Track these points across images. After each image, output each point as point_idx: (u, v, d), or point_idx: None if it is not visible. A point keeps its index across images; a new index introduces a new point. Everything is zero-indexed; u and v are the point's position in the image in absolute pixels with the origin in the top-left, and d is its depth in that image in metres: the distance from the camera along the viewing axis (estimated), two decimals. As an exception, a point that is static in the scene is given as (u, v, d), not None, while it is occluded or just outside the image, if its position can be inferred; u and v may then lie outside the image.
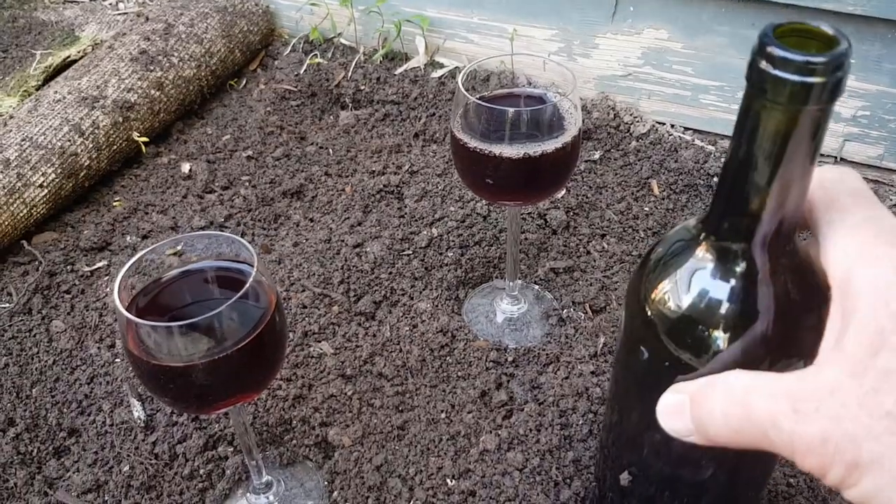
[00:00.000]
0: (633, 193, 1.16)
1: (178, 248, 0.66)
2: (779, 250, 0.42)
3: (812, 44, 0.37)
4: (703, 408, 0.39)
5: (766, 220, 0.41)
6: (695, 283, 0.45)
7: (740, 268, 0.43)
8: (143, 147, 1.27)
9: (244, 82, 1.49)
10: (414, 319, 0.96)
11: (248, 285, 0.59)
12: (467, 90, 0.78)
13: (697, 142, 1.24)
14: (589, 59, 1.30)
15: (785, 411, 0.35)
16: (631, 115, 1.28)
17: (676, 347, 0.47)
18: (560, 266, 1.04)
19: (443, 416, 0.85)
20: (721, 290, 0.44)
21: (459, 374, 0.90)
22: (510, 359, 0.91)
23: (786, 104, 0.36)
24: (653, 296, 0.48)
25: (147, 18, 1.41)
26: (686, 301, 0.46)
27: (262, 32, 1.53)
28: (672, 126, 1.28)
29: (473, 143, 0.78)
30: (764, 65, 0.35)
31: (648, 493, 0.61)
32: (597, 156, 1.23)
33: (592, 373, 0.88)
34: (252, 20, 1.50)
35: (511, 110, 0.76)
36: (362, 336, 0.94)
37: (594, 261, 1.05)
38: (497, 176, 0.80)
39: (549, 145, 0.77)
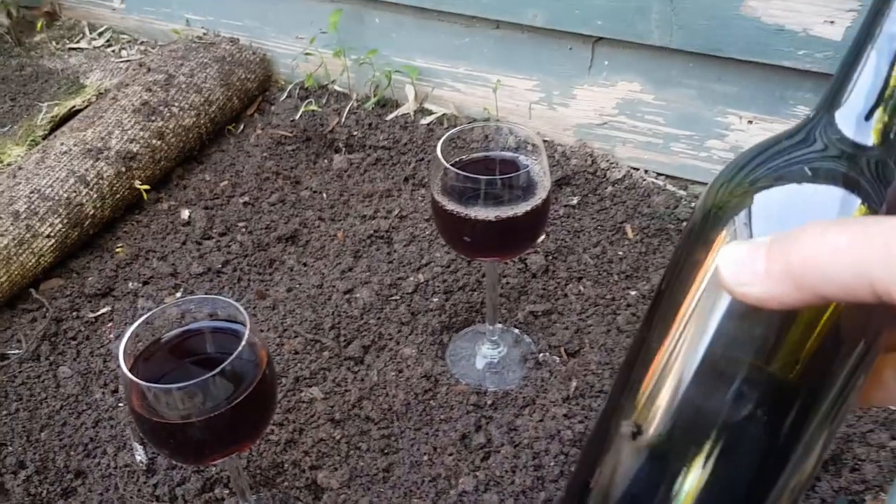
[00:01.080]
0: (608, 237, 1.23)
1: (177, 311, 0.73)
2: None
3: None
4: (796, 241, 0.29)
5: None
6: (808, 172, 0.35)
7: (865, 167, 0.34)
8: (145, 194, 1.34)
9: (242, 127, 1.56)
10: (400, 364, 1.02)
11: (240, 347, 0.66)
12: (448, 151, 0.85)
13: (669, 187, 1.31)
14: (568, 109, 1.37)
15: (885, 254, 0.27)
16: (607, 161, 1.35)
17: None
18: (539, 309, 1.10)
19: (425, 458, 0.91)
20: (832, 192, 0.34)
21: (442, 417, 0.96)
22: (489, 402, 0.97)
23: None
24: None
25: (149, 69, 1.48)
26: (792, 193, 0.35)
27: (259, 80, 1.60)
28: (645, 172, 1.35)
29: (451, 206, 0.84)
30: None
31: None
32: (575, 201, 1.29)
33: (565, 416, 0.94)
34: (249, 68, 1.58)
35: (484, 178, 0.83)
36: (351, 381, 1.01)
37: (570, 304, 1.12)
38: (473, 236, 0.86)
39: (521, 208, 0.84)
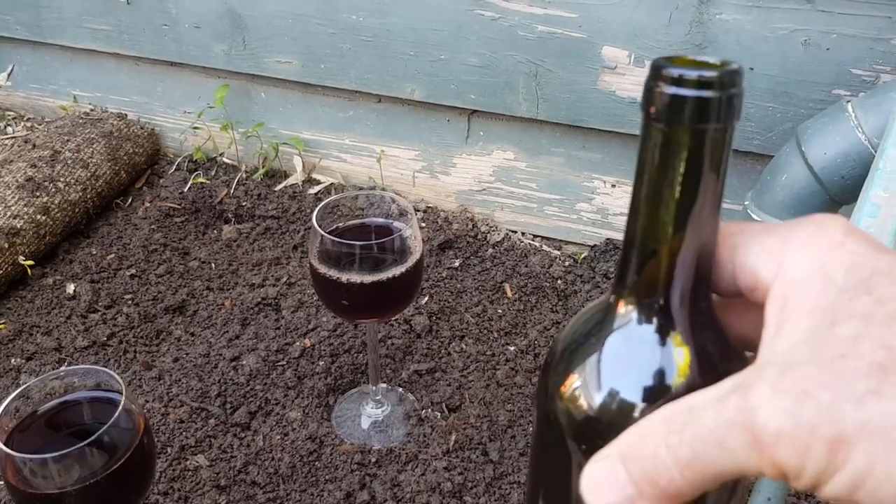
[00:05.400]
0: (488, 297, 1.29)
1: (53, 383, 0.74)
2: (696, 307, 0.38)
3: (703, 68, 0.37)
4: (642, 455, 0.31)
5: (679, 270, 0.37)
6: (610, 352, 0.39)
7: (658, 330, 0.38)
8: (29, 270, 1.33)
9: (130, 200, 1.57)
10: (286, 427, 1.05)
11: (115, 414, 0.68)
12: (325, 218, 0.91)
13: (545, 248, 1.39)
14: (448, 176, 1.44)
15: (739, 406, 0.28)
16: (487, 225, 1.42)
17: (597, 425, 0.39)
18: (423, 368, 1.15)
19: (310, 517, 0.93)
20: (638, 355, 0.38)
21: (327, 477, 0.98)
22: (374, 460, 1.01)
23: (684, 124, 0.33)
24: (567, 382, 0.41)
25: (34, 145, 1.48)
26: (606, 374, 0.39)
27: (148, 153, 1.62)
28: (522, 234, 1.43)
29: (327, 271, 0.89)
30: (659, 87, 0.33)
31: None
32: (457, 263, 1.36)
33: (445, 468, 0.98)
34: (137, 142, 1.60)
35: (358, 243, 0.88)
36: (237, 447, 1.02)
37: (453, 361, 1.17)
38: (350, 299, 0.91)
39: (394, 271, 0.89)
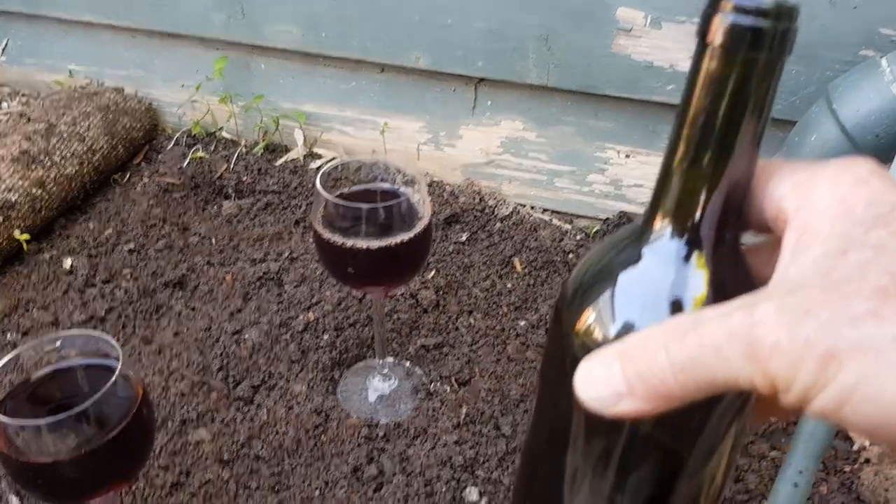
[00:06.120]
0: (497, 271, 1.25)
1: (47, 349, 0.71)
2: (725, 240, 0.39)
3: None
4: (640, 356, 0.32)
5: (714, 200, 0.38)
6: (637, 275, 0.40)
7: (686, 258, 0.39)
8: (25, 245, 1.29)
9: (128, 176, 1.53)
10: (290, 401, 1.01)
11: (111, 381, 0.64)
12: (328, 184, 0.86)
13: (555, 221, 1.35)
14: (454, 149, 1.41)
15: (742, 320, 0.29)
16: (494, 198, 1.38)
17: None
18: (430, 343, 1.11)
19: (317, 493, 0.90)
20: (663, 281, 0.39)
21: (333, 451, 0.95)
22: (381, 434, 0.97)
23: (738, 51, 0.34)
24: (589, 306, 0.41)
25: (29, 119, 1.44)
26: (625, 301, 0.40)
27: (146, 128, 1.58)
28: (532, 208, 1.39)
29: (332, 237, 0.85)
30: (716, 13, 0.34)
31: None
32: (464, 237, 1.32)
33: (455, 442, 0.95)
34: (135, 117, 1.56)
35: (365, 206, 0.84)
36: (240, 420, 0.99)
37: (462, 336, 1.13)
38: (357, 266, 0.87)
39: (403, 236, 0.85)
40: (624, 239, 0.42)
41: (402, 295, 1.19)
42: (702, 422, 0.39)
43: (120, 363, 0.66)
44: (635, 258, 0.40)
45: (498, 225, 1.35)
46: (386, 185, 0.93)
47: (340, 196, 0.89)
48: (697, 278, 0.38)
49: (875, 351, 0.26)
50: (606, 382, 0.32)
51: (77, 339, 0.71)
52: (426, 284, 1.21)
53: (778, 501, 0.79)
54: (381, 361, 1.03)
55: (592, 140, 1.30)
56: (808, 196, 0.34)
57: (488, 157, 1.39)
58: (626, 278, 0.40)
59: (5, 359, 0.67)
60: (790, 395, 0.28)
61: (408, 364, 1.09)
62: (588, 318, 0.40)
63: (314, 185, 0.88)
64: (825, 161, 0.35)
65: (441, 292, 1.21)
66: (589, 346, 0.39)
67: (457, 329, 1.15)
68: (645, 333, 0.32)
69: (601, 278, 0.41)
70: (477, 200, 1.39)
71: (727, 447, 0.41)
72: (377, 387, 1.04)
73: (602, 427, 0.38)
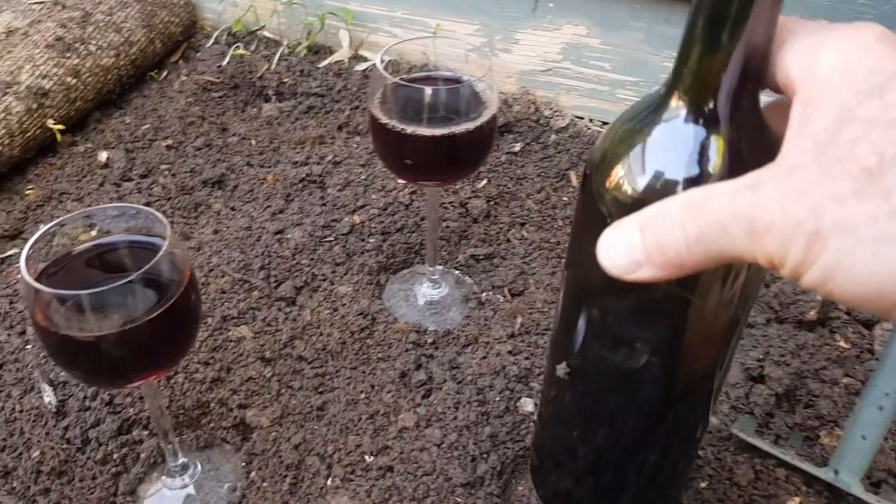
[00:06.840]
0: (552, 184, 1.19)
1: (91, 221, 0.65)
2: (744, 105, 0.40)
3: None
4: (659, 228, 0.35)
5: (733, 63, 0.38)
6: (658, 141, 0.42)
7: (706, 123, 0.41)
8: (59, 135, 1.24)
9: (165, 73, 1.47)
10: (335, 303, 0.96)
11: (159, 255, 0.59)
12: (388, 65, 0.80)
13: (614, 134, 1.28)
14: (510, 55, 1.32)
15: (747, 200, 0.31)
16: (551, 109, 1.31)
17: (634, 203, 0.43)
18: (480, 253, 1.06)
19: (362, 396, 0.86)
20: (685, 147, 0.41)
21: (379, 355, 0.90)
22: (430, 340, 0.92)
23: None
24: (619, 162, 0.44)
25: (64, 6, 1.38)
26: (650, 160, 0.43)
27: (184, 24, 1.51)
28: (591, 120, 1.31)
29: (391, 122, 0.79)
30: None
31: (585, 388, 0.59)
32: (517, 147, 1.25)
33: (510, 352, 0.89)
34: (174, 11, 1.49)
35: (429, 89, 0.77)
36: (282, 320, 0.94)
37: (514, 248, 1.07)
38: (415, 156, 0.81)
39: (467, 125, 0.79)
40: (648, 106, 0.44)
41: (451, 203, 1.13)
42: (714, 274, 0.45)
43: (167, 241, 0.61)
44: (656, 123, 0.42)
45: (553, 137, 1.27)
46: (448, 74, 0.86)
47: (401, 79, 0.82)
48: (714, 144, 0.40)
49: (854, 229, 0.28)
50: (627, 251, 0.36)
51: (122, 212, 0.65)
52: (476, 193, 1.15)
53: (860, 425, 0.74)
54: (431, 268, 0.98)
55: (661, 48, 1.21)
56: (812, 64, 0.34)
57: (546, 65, 1.31)
58: (648, 141, 0.42)
59: (47, 226, 0.62)
60: (784, 270, 0.31)
61: (457, 272, 1.03)
62: (614, 179, 0.44)
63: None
64: (834, 25, 0.35)
65: (492, 202, 1.14)
66: (615, 205, 0.44)
67: (508, 241, 1.09)
68: (662, 207, 0.35)
69: (627, 142, 0.44)
70: (532, 110, 1.31)
71: (738, 287, 0.47)
72: (426, 293, 0.98)
73: (622, 283, 0.40)
